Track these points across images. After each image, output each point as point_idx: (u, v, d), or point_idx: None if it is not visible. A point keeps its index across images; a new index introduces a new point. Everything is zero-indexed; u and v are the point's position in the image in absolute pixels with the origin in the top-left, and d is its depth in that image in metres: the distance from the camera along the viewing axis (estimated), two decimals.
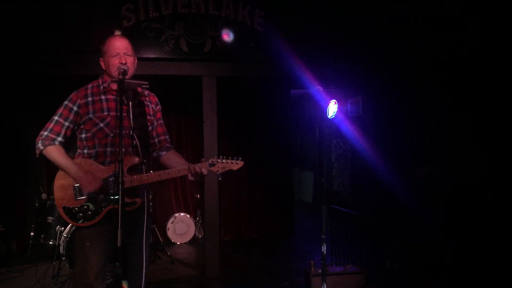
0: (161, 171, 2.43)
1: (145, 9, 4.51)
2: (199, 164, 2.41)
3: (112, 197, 2.36)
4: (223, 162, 2.44)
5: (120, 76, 2.29)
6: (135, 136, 2.37)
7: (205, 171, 2.40)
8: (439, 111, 5.32)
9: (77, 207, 2.37)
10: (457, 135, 4.97)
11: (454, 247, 4.78)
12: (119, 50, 2.43)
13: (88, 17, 4.53)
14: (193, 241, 6.40)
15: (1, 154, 5.69)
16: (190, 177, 2.44)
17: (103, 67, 2.53)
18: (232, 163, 2.46)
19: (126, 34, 4.47)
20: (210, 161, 2.43)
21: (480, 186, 4.59)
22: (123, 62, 2.41)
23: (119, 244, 2.00)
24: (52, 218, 4.42)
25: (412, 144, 5.83)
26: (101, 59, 2.52)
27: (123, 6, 4.47)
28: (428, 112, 5.52)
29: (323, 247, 3.36)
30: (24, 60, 4.51)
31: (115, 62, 2.41)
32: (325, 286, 3.34)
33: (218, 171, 2.43)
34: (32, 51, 4.46)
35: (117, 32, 4.46)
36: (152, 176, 2.40)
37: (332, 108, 3.53)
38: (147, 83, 2.48)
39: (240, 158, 2.48)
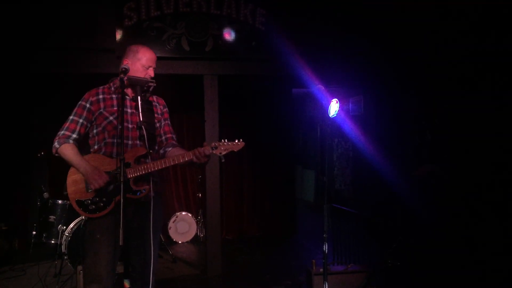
0: (166, 158, 2.54)
1: (147, 8, 4.51)
2: (202, 148, 2.51)
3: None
4: (225, 144, 2.54)
5: (122, 75, 2.44)
6: (143, 128, 2.49)
7: (207, 152, 2.49)
8: (441, 109, 5.31)
9: (89, 199, 2.47)
10: (460, 133, 4.95)
11: (455, 246, 4.78)
12: (154, 64, 2.67)
13: (90, 16, 4.54)
14: (195, 240, 6.41)
15: (4, 152, 5.71)
16: (195, 159, 2.51)
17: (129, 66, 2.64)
18: (233, 144, 2.56)
19: (128, 33, 4.48)
20: (212, 144, 2.52)
21: (482, 184, 4.58)
22: (153, 76, 2.65)
23: (121, 243, 2.09)
24: (54, 217, 4.43)
25: (414, 142, 5.82)
26: (127, 60, 2.62)
27: (124, 5, 4.47)
28: (430, 110, 5.51)
29: (324, 246, 3.36)
30: (27, 59, 4.51)
31: (149, 72, 2.64)
32: (326, 285, 3.33)
33: (220, 153, 2.52)
34: (35, 51, 4.47)
35: (119, 31, 4.47)
36: (158, 163, 2.49)
37: (334, 107, 3.53)
38: (154, 81, 2.65)
39: (241, 139, 2.58)
